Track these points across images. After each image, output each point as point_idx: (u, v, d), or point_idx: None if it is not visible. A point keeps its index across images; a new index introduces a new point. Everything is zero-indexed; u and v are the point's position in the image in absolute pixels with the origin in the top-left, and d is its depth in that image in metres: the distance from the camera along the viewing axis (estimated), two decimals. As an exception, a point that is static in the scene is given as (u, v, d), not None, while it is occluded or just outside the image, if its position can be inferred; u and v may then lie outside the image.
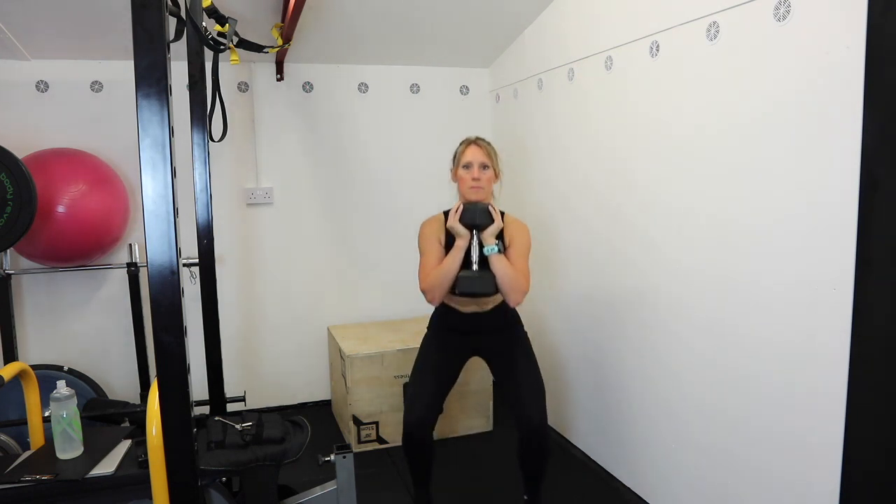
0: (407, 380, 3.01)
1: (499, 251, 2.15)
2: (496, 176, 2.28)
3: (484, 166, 2.22)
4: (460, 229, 2.17)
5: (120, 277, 3.12)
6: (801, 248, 1.70)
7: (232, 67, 3.18)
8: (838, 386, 1.59)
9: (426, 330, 2.41)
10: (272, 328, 3.47)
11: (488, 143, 2.28)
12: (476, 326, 2.29)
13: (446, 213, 2.25)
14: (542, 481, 2.30)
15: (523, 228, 2.29)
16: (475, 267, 2.17)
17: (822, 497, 1.67)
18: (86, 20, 2.64)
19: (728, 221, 1.95)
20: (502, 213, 2.27)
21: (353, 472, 1.76)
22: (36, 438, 1.77)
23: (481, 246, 2.17)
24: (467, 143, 2.27)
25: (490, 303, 2.29)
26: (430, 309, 2.36)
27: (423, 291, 2.19)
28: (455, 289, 2.17)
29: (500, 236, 2.22)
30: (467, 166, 2.23)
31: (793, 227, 1.72)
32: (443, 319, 2.34)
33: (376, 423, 3.00)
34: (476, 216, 2.15)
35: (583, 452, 2.87)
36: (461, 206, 2.19)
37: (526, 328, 2.37)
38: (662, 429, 2.32)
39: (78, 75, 3.01)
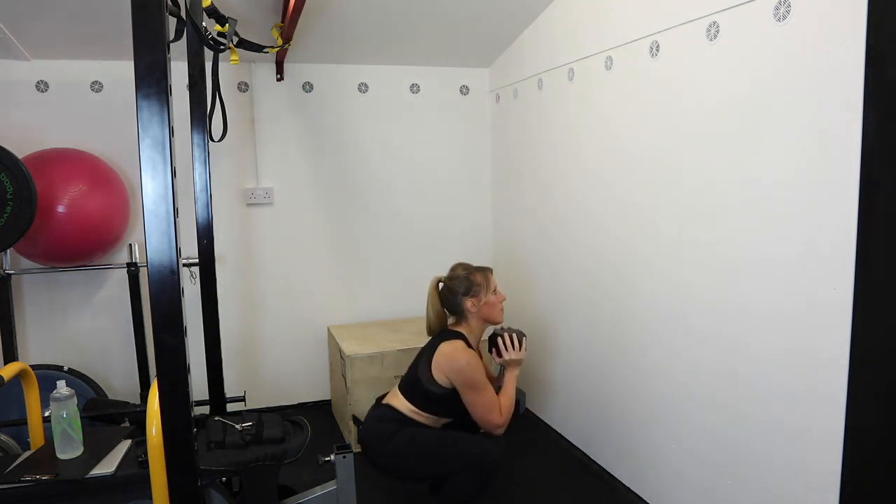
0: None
1: None
2: None
3: None
4: (523, 359, 2.32)
5: (120, 277, 3.12)
6: (801, 247, 1.70)
7: (232, 67, 3.18)
8: (839, 384, 1.60)
9: (393, 433, 2.21)
10: (272, 328, 3.47)
11: None
12: None
13: (464, 339, 2.26)
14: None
15: None
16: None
17: (824, 486, 1.67)
18: (86, 20, 2.64)
19: (728, 221, 1.95)
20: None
21: (353, 472, 1.76)
22: (36, 438, 1.77)
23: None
24: (488, 270, 2.34)
25: None
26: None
27: (500, 426, 2.21)
28: (518, 410, 2.33)
29: None
30: (496, 290, 2.33)
31: (793, 226, 1.72)
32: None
33: (376, 423, 3.00)
34: (526, 346, 2.35)
35: (583, 452, 2.87)
36: (521, 339, 2.31)
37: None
38: (663, 429, 2.32)
39: (78, 75, 3.01)
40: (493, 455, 2.13)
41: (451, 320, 2.36)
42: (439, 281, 2.35)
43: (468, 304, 2.27)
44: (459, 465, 2.15)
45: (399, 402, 2.25)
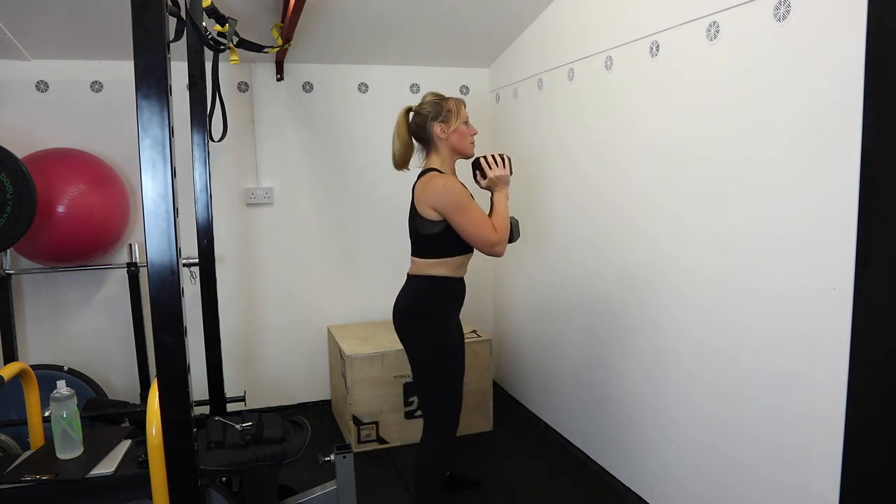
0: (407, 380, 3.01)
1: None
2: None
3: None
4: (509, 177, 2.19)
5: (120, 277, 3.12)
6: (801, 247, 1.70)
7: (232, 67, 3.18)
8: (840, 369, 1.60)
9: (426, 316, 2.17)
10: (272, 328, 3.47)
11: None
12: (463, 293, 2.26)
13: (436, 171, 2.16)
14: None
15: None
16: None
17: (825, 472, 1.67)
18: (86, 20, 2.64)
19: (727, 221, 1.95)
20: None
21: (353, 472, 1.76)
22: (36, 438, 1.77)
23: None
24: (460, 100, 2.22)
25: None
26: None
27: (497, 243, 2.09)
28: (513, 236, 2.20)
29: None
30: (467, 122, 2.21)
31: (793, 226, 1.72)
32: (450, 291, 2.20)
33: (376, 423, 3.00)
34: (511, 166, 2.21)
35: (583, 453, 2.87)
36: (504, 157, 2.18)
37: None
38: (663, 420, 2.32)
39: (78, 75, 3.01)
40: (452, 426, 2.14)
41: (422, 161, 2.24)
42: (409, 109, 2.22)
43: (437, 129, 2.14)
44: (427, 398, 2.17)
45: (416, 266, 2.19)
